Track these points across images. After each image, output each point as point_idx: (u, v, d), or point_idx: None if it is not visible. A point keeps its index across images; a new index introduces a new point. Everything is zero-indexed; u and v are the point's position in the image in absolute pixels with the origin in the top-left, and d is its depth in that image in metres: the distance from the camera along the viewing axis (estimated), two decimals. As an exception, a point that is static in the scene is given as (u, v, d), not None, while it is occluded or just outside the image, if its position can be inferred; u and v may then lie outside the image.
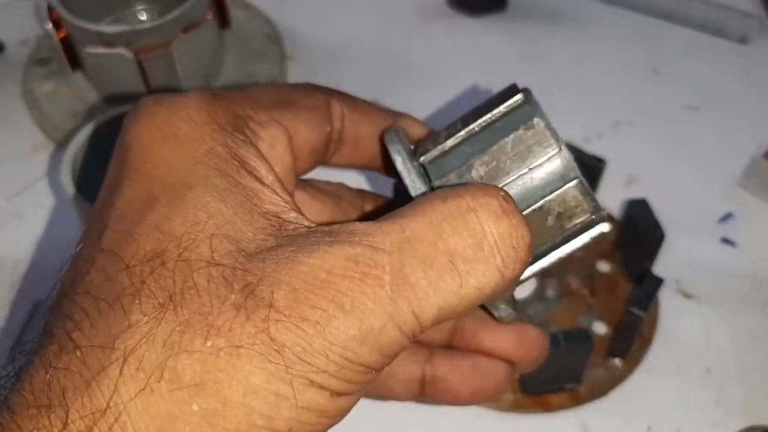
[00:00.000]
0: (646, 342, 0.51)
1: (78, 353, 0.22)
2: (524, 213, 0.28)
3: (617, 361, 0.50)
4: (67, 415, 0.21)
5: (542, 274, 0.52)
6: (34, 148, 0.62)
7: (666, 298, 0.53)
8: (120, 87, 0.61)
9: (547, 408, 0.48)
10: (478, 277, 0.24)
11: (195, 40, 0.60)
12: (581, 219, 0.28)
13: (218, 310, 0.22)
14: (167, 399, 0.21)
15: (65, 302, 0.24)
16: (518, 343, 0.33)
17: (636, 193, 0.57)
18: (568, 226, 0.29)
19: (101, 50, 0.58)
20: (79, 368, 0.22)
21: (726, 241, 0.57)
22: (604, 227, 0.29)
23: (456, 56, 0.69)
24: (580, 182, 0.28)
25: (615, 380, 0.49)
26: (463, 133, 0.29)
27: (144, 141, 0.26)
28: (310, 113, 0.30)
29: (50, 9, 0.58)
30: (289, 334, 0.22)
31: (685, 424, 0.48)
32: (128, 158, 0.26)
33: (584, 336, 0.45)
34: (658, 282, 0.49)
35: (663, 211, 0.53)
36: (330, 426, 0.24)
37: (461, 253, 0.23)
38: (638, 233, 0.52)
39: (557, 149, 0.28)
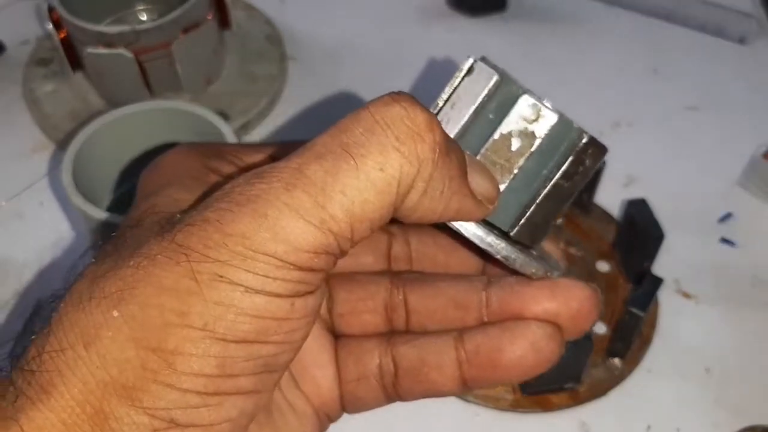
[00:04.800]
0: (646, 342, 0.51)
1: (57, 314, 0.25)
2: (487, 145, 0.29)
3: (617, 361, 0.50)
4: (29, 352, 0.24)
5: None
6: (34, 148, 0.62)
7: (665, 298, 0.53)
8: (120, 87, 0.61)
9: (547, 407, 0.48)
10: (375, 158, 0.24)
11: (195, 40, 0.60)
12: (543, 125, 0.29)
13: (146, 241, 0.25)
14: (93, 311, 0.24)
15: None
16: (549, 296, 0.29)
17: (635, 193, 0.57)
18: (534, 143, 0.29)
19: (102, 50, 0.58)
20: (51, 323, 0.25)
21: (725, 241, 0.57)
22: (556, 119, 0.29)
23: (455, 56, 0.69)
24: (528, 95, 0.29)
25: (614, 380, 0.50)
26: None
27: (147, 178, 0.30)
28: None
29: (51, 9, 0.58)
30: (192, 237, 0.24)
31: (685, 424, 0.48)
32: (137, 196, 0.30)
33: (584, 336, 0.45)
34: (657, 282, 0.49)
35: (662, 211, 0.53)
36: (268, 330, 0.24)
37: (354, 141, 0.24)
38: (638, 233, 0.52)
39: (497, 76, 0.29)
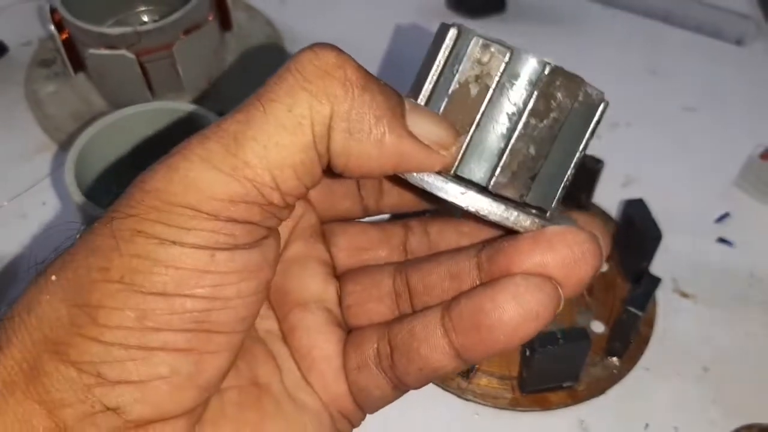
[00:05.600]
0: (644, 341, 0.51)
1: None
2: (449, 94, 0.27)
3: (615, 360, 0.50)
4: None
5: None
6: (36, 149, 0.62)
7: (663, 297, 0.54)
8: (122, 88, 0.61)
9: (546, 406, 0.49)
10: (283, 100, 0.24)
11: (196, 41, 0.60)
12: (497, 63, 0.27)
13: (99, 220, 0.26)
14: (40, 283, 0.25)
15: None
16: (533, 246, 0.26)
17: (633, 193, 0.57)
18: (492, 83, 0.27)
19: (104, 52, 0.58)
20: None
21: (723, 240, 0.58)
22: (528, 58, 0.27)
23: (455, 57, 0.70)
24: (479, 37, 0.27)
25: (613, 379, 0.50)
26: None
27: None
28: None
29: (53, 11, 0.59)
30: (121, 201, 0.25)
31: (683, 423, 0.49)
32: None
33: (582, 335, 0.46)
34: (655, 281, 0.49)
35: (660, 211, 0.53)
36: (188, 282, 0.24)
37: (267, 90, 0.24)
38: (636, 233, 0.52)
39: (455, 29, 0.28)
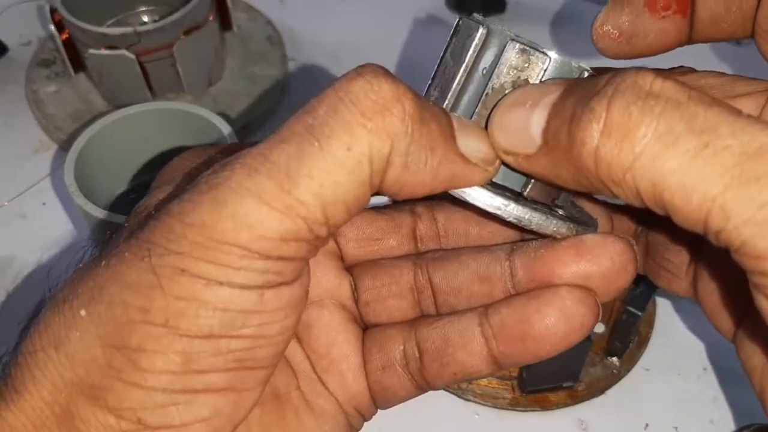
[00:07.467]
0: (644, 341, 0.52)
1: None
2: (482, 99, 0.27)
3: (615, 360, 0.50)
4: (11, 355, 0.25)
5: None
6: (37, 148, 0.63)
7: (663, 297, 0.54)
8: (122, 88, 0.61)
9: (546, 406, 0.49)
10: (341, 137, 0.22)
11: (197, 41, 0.60)
12: (536, 70, 0.27)
13: (121, 240, 0.24)
14: (66, 313, 0.24)
15: None
16: (576, 256, 0.26)
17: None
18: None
19: (104, 52, 0.58)
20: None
21: (723, 241, 0.58)
22: (553, 55, 0.27)
23: (455, 58, 0.70)
24: (515, 41, 0.26)
25: (613, 378, 0.50)
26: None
27: (155, 181, 0.30)
28: None
29: (53, 11, 0.59)
30: (156, 231, 0.23)
31: (682, 422, 0.49)
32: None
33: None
34: (655, 281, 0.49)
35: (660, 211, 0.53)
36: (235, 323, 0.23)
37: (319, 121, 0.23)
38: (635, 233, 0.52)
39: (483, 29, 0.27)
